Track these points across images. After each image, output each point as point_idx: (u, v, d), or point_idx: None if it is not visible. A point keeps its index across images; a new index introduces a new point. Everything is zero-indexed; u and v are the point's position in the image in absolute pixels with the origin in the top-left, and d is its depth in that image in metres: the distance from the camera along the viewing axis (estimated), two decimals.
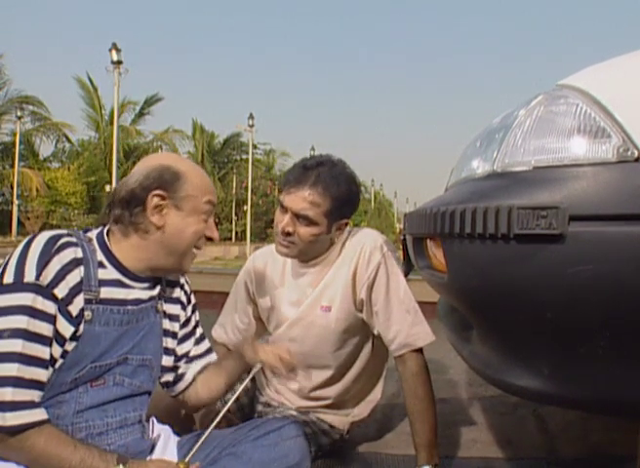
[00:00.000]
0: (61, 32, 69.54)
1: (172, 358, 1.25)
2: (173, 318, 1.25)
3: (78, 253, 1.05)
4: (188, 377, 1.29)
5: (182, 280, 1.30)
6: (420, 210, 1.28)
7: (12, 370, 0.94)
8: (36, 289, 0.98)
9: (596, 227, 0.93)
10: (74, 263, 1.03)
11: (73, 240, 1.06)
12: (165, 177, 1.11)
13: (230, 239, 35.25)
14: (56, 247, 1.02)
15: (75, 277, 1.03)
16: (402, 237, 1.77)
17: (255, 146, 30.80)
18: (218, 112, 70.21)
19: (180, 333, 1.28)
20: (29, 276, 0.98)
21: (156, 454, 1.16)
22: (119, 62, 15.68)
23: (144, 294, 1.15)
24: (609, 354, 0.95)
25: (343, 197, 1.51)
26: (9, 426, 0.93)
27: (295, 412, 1.69)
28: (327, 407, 1.71)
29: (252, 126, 24.95)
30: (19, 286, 0.97)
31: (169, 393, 1.32)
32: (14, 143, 24.47)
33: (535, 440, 1.96)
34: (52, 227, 24.72)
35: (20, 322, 0.96)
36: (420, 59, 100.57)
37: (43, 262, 0.99)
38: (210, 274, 5.69)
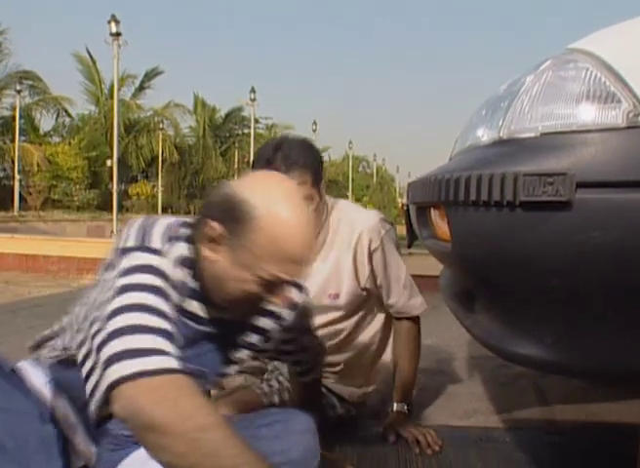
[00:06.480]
0: (58, 2, 68.40)
1: (235, 366, 1.17)
2: (257, 330, 1.14)
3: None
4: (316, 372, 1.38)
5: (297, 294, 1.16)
6: (424, 178, 1.26)
7: (155, 321, 0.87)
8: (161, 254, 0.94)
9: (604, 194, 0.90)
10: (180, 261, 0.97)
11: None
12: (231, 212, 0.89)
13: None
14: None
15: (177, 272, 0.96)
16: (405, 208, 1.76)
17: (257, 120, 30.44)
18: (219, 86, 69.47)
19: (288, 335, 1.21)
20: (156, 244, 0.94)
21: None
22: (118, 34, 15.35)
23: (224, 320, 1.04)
24: (615, 323, 0.94)
25: (316, 162, 1.56)
26: (152, 370, 0.81)
27: None
28: (336, 373, 1.74)
29: (253, 100, 24.76)
30: (145, 248, 0.93)
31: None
32: (14, 118, 24.22)
33: (534, 410, 1.98)
34: (53, 202, 24.77)
35: (154, 280, 0.90)
36: (420, 29, 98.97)
37: (165, 239, 0.96)
38: None
